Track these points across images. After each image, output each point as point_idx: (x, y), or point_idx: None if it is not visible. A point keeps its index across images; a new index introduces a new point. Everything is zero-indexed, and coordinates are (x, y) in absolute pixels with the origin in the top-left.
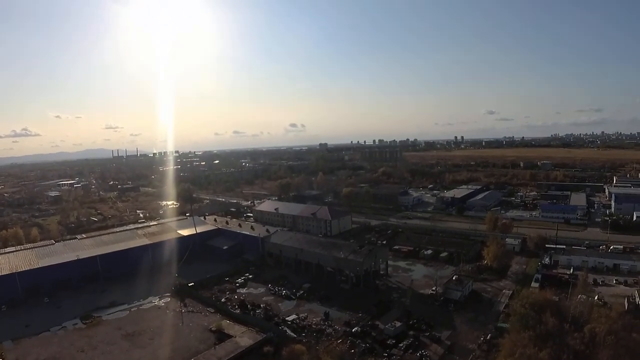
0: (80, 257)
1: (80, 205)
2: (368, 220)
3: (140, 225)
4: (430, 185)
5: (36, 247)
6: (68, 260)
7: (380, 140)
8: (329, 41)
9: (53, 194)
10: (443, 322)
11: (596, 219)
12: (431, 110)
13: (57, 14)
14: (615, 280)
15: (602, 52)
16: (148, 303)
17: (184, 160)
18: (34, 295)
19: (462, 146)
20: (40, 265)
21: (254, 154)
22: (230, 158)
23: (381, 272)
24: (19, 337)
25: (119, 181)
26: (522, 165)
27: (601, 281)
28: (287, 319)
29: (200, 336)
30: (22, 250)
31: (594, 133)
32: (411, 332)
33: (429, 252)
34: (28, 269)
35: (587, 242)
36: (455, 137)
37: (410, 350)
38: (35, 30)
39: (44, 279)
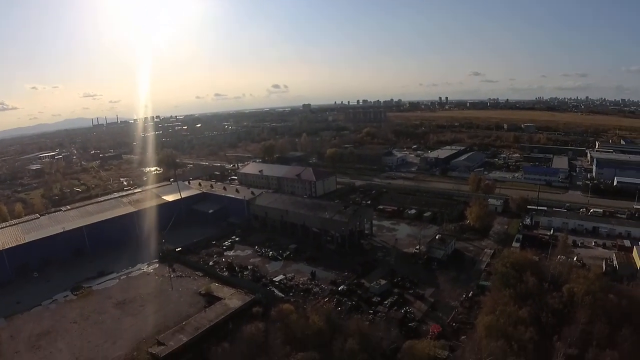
0: (66, 229)
1: (62, 176)
2: (352, 180)
3: (124, 193)
4: (414, 146)
5: (21, 223)
6: (54, 233)
7: (364, 101)
8: (309, 3)
9: (34, 167)
10: (426, 280)
11: (577, 183)
12: (416, 71)
13: None
14: (594, 242)
15: (590, 17)
16: (137, 270)
17: (166, 125)
18: (23, 271)
19: (447, 107)
20: (27, 241)
21: (236, 117)
22: (213, 121)
23: (366, 232)
24: (11, 314)
25: (101, 150)
26: (505, 127)
27: (580, 243)
28: (274, 279)
29: (190, 300)
30: (7, 226)
31: (579, 98)
32: (396, 290)
33: (413, 212)
34: (15, 245)
35: (567, 204)
36: (440, 98)
37: (395, 307)
38: (3, 1)
39: (32, 254)
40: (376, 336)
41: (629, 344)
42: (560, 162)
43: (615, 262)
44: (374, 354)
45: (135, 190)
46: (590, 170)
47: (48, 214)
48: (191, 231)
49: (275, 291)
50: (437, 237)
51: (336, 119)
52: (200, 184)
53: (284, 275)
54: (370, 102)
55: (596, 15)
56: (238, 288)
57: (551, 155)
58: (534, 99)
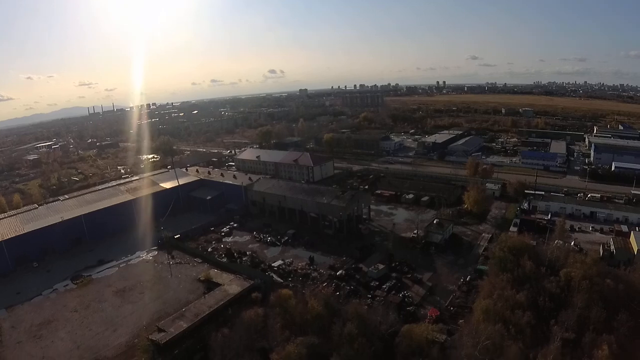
0: (65, 219)
1: (60, 166)
2: (350, 165)
3: (122, 181)
4: (412, 131)
5: (20, 213)
6: (53, 222)
7: (361, 85)
8: None
9: (32, 157)
10: (424, 265)
11: (575, 168)
12: (413, 55)
13: None
14: (592, 227)
15: (589, 1)
16: (136, 258)
17: (162, 112)
18: (23, 262)
19: (444, 91)
20: (26, 231)
21: (233, 103)
22: (209, 108)
23: (364, 217)
24: (12, 304)
25: (97, 138)
26: (503, 111)
27: (578, 228)
28: (273, 265)
29: (190, 287)
30: (5, 217)
31: (577, 82)
32: (394, 275)
33: (411, 196)
34: (14, 236)
35: (565, 189)
36: (438, 82)
37: (393, 292)
38: None
39: (31, 244)
40: (374, 320)
41: (625, 328)
42: (558, 147)
43: (612, 247)
44: (373, 338)
45: (133, 178)
46: (588, 155)
47: (46, 203)
48: (189, 218)
49: (274, 276)
50: (434, 222)
51: (333, 104)
52: (197, 171)
53: (282, 260)
54: (368, 86)
55: None
56: (237, 274)
57: (549, 140)
58: (532, 83)
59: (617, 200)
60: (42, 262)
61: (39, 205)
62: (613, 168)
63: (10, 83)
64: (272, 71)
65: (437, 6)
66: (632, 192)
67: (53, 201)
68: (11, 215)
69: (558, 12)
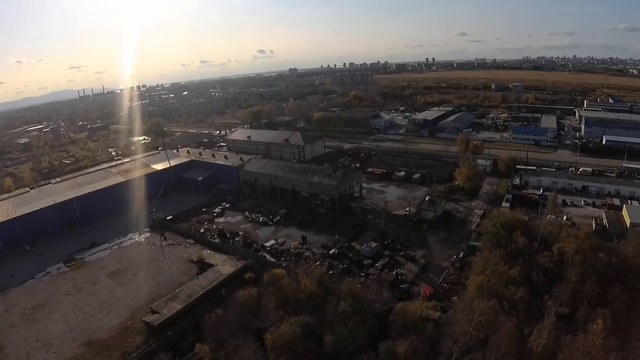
0: (57, 202)
1: (51, 149)
2: (341, 144)
3: (113, 164)
4: (402, 108)
5: (11, 197)
6: (45, 206)
7: (350, 64)
8: None
9: (22, 141)
10: (417, 242)
11: (566, 142)
12: (402, 32)
13: None
14: (584, 201)
15: None
16: (128, 240)
17: (152, 94)
18: (15, 245)
19: (434, 68)
20: (18, 215)
21: (223, 83)
22: (199, 89)
23: (355, 195)
24: (5, 288)
25: (88, 121)
26: (493, 87)
27: (570, 202)
28: (265, 244)
29: (183, 268)
30: None
31: (566, 57)
32: (387, 252)
33: (402, 173)
34: (6, 219)
35: (556, 164)
36: (427, 59)
37: (387, 270)
38: None
39: (23, 228)
40: (368, 298)
41: (619, 301)
42: (549, 122)
43: (604, 221)
44: (367, 316)
45: (124, 160)
46: (579, 129)
47: (38, 187)
48: (181, 199)
49: (267, 256)
50: (426, 199)
51: (323, 82)
52: (189, 152)
53: (275, 240)
54: (357, 65)
55: None
56: (230, 254)
57: (539, 115)
58: (521, 58)
59: (608, 174)
60: (35, 245)
61: (30, 189)
62: (604, 141)
63: (0, 67)
64: (262, 51)
65: None
66: (624, 165)
67: (45, 184)
68: (3, 199)
69: None
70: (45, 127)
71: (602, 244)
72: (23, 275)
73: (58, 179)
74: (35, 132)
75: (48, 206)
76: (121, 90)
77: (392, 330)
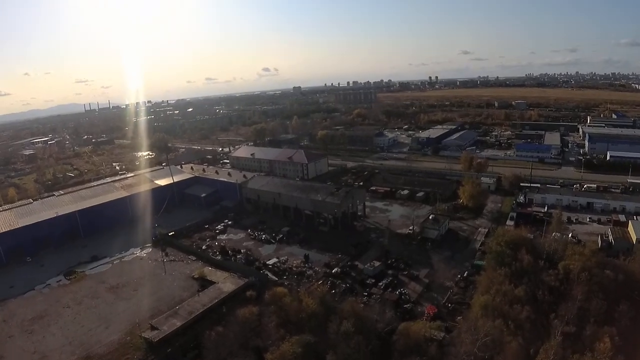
0: (60, 214)
1: (55, 161)
2: (344, 162)
3: (117, 178)
4: (406, 126)
5: (14, 208)
6: (47, 218)
7: (354, 82)
8: None
9: (27, 152)
10: (421, 261)
11: (570, 158)
12: (405, 51)
13: None
14: (589, 218)
15: None
16: (130, 255)
17: (157, 110)
18: (16, 256)
19: (437, 86)
20: (20, 225)
21: (227, 100)
22: (204, 105)
23: (359, 214)
24: (4, 298)
25: (93, 135)
26: (496, 105)
27: (575, 219)
28: (267, 262)
29: (184, 284)
30: (0, 211)
31: (568, 73)
32: (390, 272)
33: (406, 192)
34: (8, 230)
35: (561, 180)
36: (430, 78)
37: (390, 289)
38: None
39: (25, 239)
40: (371, 318)
41: (627, 319)
42: (552, 138)
43: (610, 238)
44: (369, 336)
45: (128, 175)
46: (583, 146)
47: (41, 198)
48: (184, 215)
49: (269, 274)
50: (430, 217)
51: (327, 100)
52: (192, 168)
53: (277, 258)
54: (361, 83)
55: None
56: (231, 272)
57: (543, 132)
58: (524, 75)
59: (613, 190)
60: (36, 256)
61: (33, 200)
62: (608, 157)
63: (8, 78)
64: (266, 69)
65: (428, 3)
66: (629, 180)
67: (48, 196)
68: (5, 210)
69: (548, 4)
70: (51, 140)
71: (608, 261)
72: (23, 286)
73: (61, 192)
74: (40, 144)
75: (50, 218)
76: (127, 105)
77: (395, 351)
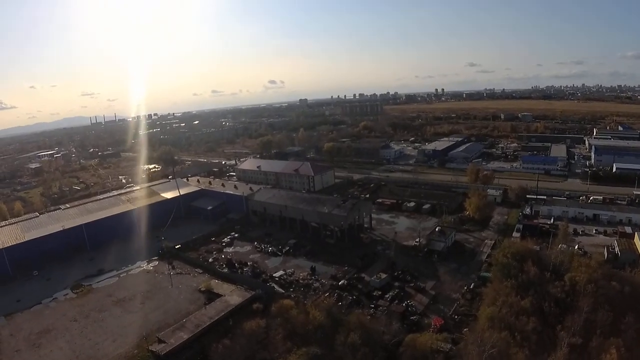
0: (66, 227)
1: (61, 175)
2: (350, 174)
3: (123, 191)
4: (412, 138)
5: (21, 221)
6: (54, 231)
7: (360, 95)
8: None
9: (33, 165)
10: (427, 273)
11: (576, 170)
12: (411, 63)
13: None
14: (595, 230)
15: (584, 5)
16: (136, 268)
17: (164, 122)
18: (23, 270)
19: (443, 99)
20: (27, 239)
21: (234, 113)
22: (210, 118)
23: (365, 226)
24: (11, 312)
25: (99, 148)
26: (502, 117)
27: (581, 231)
28: (274, 275)
29: (190, 297)
30: (6, 225)
31: (575, 85)
32: (396, 284)
33: (412, 204)
34: (15, 243)
35: (567, 192)
36: (436, 90)
37: (396, 301)
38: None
39: (32, 252)
40: (378, 330)
41: (633, 330)
42: (559, 151)
43: (616, 249)
44: (376, 348)
45: (134, 188)
46: (589, 158)
47: (47, 212)
48: (190, 228)
49: (276, 287)
50: (436, 229)
51: (333, 113)
52: (199, 181)
53: (283, 270)
54: (367, 95)
55: (590, 1)
56: (238, 284)
57: (549, 144)
58: (530, 88)
59: (619, 202)
60: (43, 270)
61: (40, 214)
62: (614, 169)
63: (14, 91)
64: (272, 81)
65: (434, 15)
66: (635, 192)
67: (54, 210)
68: (12, 223)
69: (554, 17)
70: (57, 153)
71: (614, 272)
72: (30, 299)
73: (68, 205)
74: (46, 157)
75: (57, 231)
76: (133, 118)
77: None
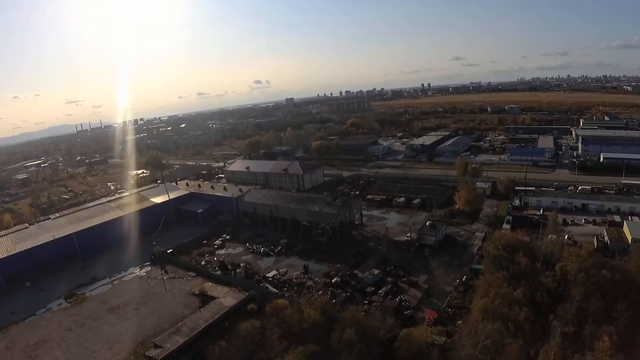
0: (57, 237)
1: (49, 184)
2: (340, 172)
3: (112, 198)
4: (400, 134)
5: (10, 233)
6: (45, 241)
7: (347, 92)
8: None
9: (21, 176)
10: (419, 267)
11: (564, 161)
12: (397, 58)
13: None
14: (584, 219)
15: None
16: (129, 274)
17: (150, 127)
18: (16, 282)
19: (429, 93)
20: (18, 251)
21: (220, 115)
22: (197, 120)
23: (356, 223)
24: (6, 325)
25: (86, 155)
26: (489, 110)
27: (570, 221)
28: (267, 275)
29: (185, 301)
30: None
31: (560, 77)
32: (389, 279)
33: (402, 199)
34: (5, 255)
35: (555, 183)
36: (422, 85)
37: (390, 296)
38: None
39: (23, 264)
40: (372, 326)
41: (624, 318)
42: (546, 142)
43: (606, 238)
44: (372, 344)
45: (123, 194)
46: (576, 148)
47: (37, 222)
48: (181, 232)
49: (269, 287)
50: (427, 224)
51: (320, 111)
52: (188, 184)
53: (276, 270)
54: (353, 92)
55: None
56: (232, 286)
57: (536, 135)
58: (516, 80)
59: (607, 191)
60: (35, 281)
61: (29, 225)
62: (602, 159)
63: None
64: (258, 82)
65: (419, 8)
66: (622, 181)
67: (44, 220)
68: (2, 235)
69: (538, 8)
70: (44, 162)
71: (604, 261)
72: (24, 311)
73: (57, 214)
74: (33, 168)
75: (48, 242)
76: (119, 124)
77: (397, 357)
